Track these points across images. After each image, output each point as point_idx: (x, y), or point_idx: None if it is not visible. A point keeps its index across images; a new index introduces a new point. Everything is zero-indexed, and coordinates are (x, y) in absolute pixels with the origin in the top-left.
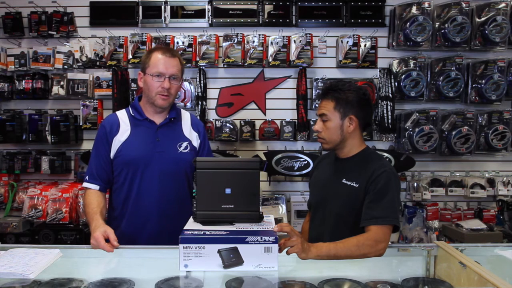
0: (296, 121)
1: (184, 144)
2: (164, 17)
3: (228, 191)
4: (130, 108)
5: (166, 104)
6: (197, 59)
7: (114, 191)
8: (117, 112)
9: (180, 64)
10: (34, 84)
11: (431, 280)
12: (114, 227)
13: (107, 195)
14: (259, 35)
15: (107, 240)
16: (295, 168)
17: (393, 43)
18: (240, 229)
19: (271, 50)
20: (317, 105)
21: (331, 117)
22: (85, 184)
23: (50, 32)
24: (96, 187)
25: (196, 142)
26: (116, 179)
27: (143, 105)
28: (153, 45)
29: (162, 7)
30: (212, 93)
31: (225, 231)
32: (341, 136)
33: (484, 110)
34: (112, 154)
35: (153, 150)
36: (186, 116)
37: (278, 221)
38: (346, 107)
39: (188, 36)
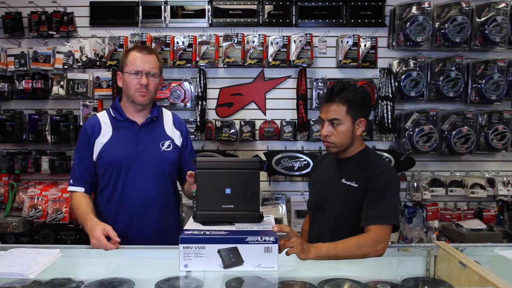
0: (296, 121)
1: (167, 142)
2: (164, 17)
3: (228, 191)
4: (110, 109)
5: (146, 100)
6: (197, 59)
7: (98, 193)
8: (98, 114)
9: (157, 61)
10: (34, 84)
11: (431, 280)
12: None
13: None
14: (259, 35)
15: (108, 238)
16: (295, 168)
17: (393, 43)
18: (240, 229)
19: (271, 50)
20: (317, 105)
21: (344, 121)
22: (70, 188)
23: (50, 32)
24: (82, 189)
25: (178, 140)
26: (100, 181)
27: (123, 105)
28: (153, 45)
29: (162, 7)
30: (212, 93)
31: (225, 231)
32: (351, 140)
33: (484, 110)
34: (94, 156)
35: (136, 149)
36: (167, 115)
37: (278, 221)
38: (357, 111)
39: (188, 36)
